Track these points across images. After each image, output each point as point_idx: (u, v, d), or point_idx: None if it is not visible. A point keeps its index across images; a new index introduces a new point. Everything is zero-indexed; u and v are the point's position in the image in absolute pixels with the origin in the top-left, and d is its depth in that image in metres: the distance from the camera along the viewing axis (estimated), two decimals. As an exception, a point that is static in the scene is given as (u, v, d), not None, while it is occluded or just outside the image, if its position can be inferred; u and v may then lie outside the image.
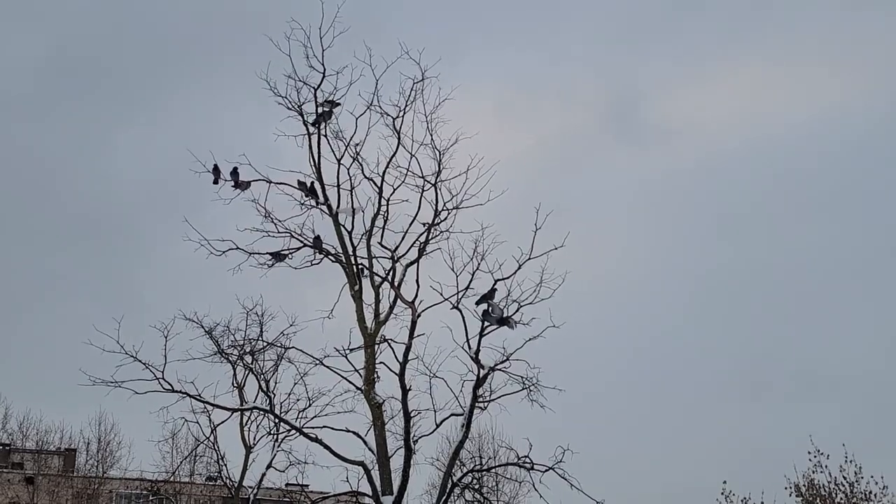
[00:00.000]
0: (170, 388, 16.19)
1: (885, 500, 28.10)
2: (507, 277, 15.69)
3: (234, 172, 17.68)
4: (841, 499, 28.54)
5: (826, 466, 28.75)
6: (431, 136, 17.38)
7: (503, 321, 14.84)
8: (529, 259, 15.46)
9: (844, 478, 28.54)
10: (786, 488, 29.15)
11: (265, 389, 20.91)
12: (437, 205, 17.26)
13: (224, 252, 17.40)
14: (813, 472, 28.95)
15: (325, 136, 17.89)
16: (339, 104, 17.53)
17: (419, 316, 15.93)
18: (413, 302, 16.32)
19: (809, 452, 28.95)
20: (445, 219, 17.21)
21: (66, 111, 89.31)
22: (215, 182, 17.61)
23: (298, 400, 22.26)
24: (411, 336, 15.89)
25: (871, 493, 28.24)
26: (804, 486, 29.02)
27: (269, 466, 23.65)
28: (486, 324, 15.14)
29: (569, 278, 15.59)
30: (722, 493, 28.84)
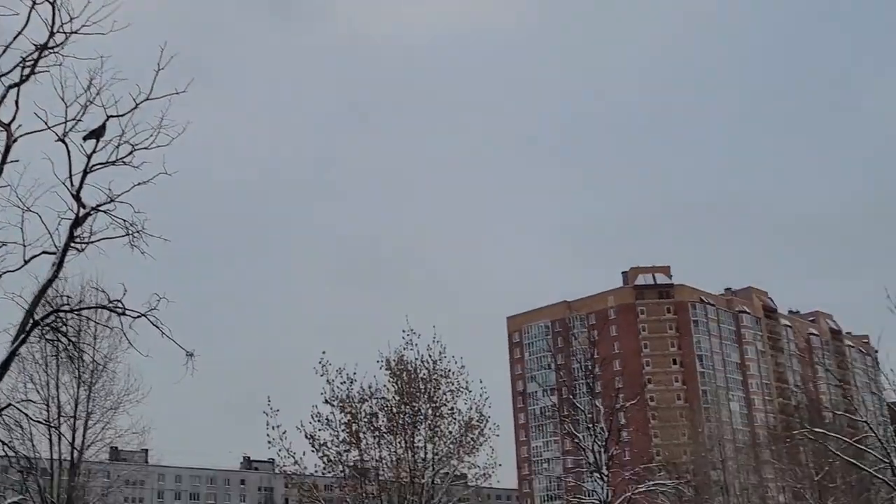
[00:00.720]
0: None
1: (461, 379, 31.23)
2: (123, 115, 14.79)
3: None
4: (424, 374, 31.21)
5: (416, 345, 31.21)
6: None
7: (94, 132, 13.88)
8: (148, 99, 14.63)
9: (430, 356, 31.20)
10: (377, 361, 31.27)
11: None
12: (52, 25, 15.59)
13: None
14: (404, 349, 31.29)
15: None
16: None
17: (15, 141, 14.51)
18: (10, 125, 14.78)
19: (404, 331, 31.20)
20: (60, 43, 15.61)
21: None
22: None
23: None
24: (3, 161, 14.44)
25: (449, 370, 31.24)
26: (394, 360, 31.29)
27: None
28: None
29: (199, 131, 15.05)
30: (320, 363, 30.29)
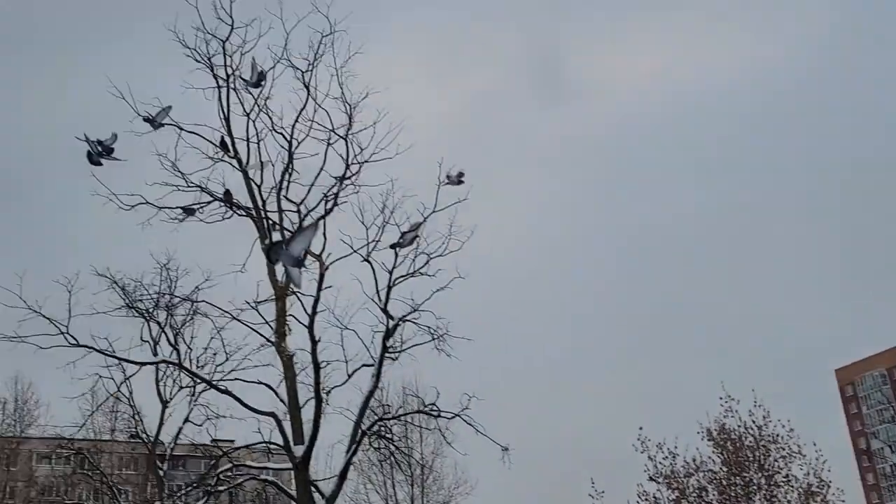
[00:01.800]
0: (75, 342, 16.00)
1: (791, 442, 29.24)
2: (415, 229, 15.88)
3: (149, 118, 17.23)
4: (750, 441, 29.58)
5: (736, 411, 29.71)
6: (342, 89, 17.37)
7: (409, 236, 15.10)
8: (434, 212, 15.66)
9: (753, 422, 29.54)
10: (698, 433, 30.11)
11: (173, 343, 20.89)
12: (347, 158, 17.28)
13: (133, 206, 17.14)
14: (724, 417, 29.88)
15: (234, 89, 17.72)
16: (262, 81, 17.21)
17: (327, 269, 16.06)
18: (321, 255, 16.40)
19: (721, 398, 29.86)
20: (355, 173, 17.25)
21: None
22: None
23: (216, 354, 22.20)
24: (319, 289, 16.04)
25: (777, 435, 29.37)
26: (716, 430, 29.96)
27: (185, 421, 23.67)
28: (400, 248, 15.39)
29: (487, 233, 15.87)
30: (638, 439, 29.70)
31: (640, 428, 29.61)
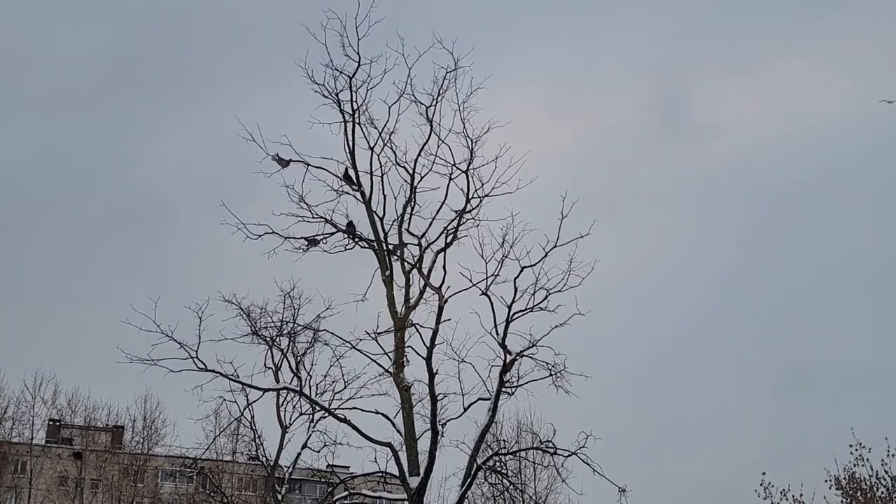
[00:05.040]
0: (203, 366, 16.62)
1: (929, 496, 27.68)
2: (535, 265, 15.86)
3: (277, 158, 17.97)
4: (882, 493, 28.12)
5: (867, 460, 28.33)
6: (464, 124, 17.59)
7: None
8: (556, 247, 15.60)
9: (886, 472, 28.10)
10: (826, 481, 28.81)
11: (295, 370, 21.40)
12: (468, 192, 17.45)
13: (260, 236, 17.76)
14: (854, 466, 28.52)
15: (360, 124, 18.13)
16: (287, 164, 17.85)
17: (446, 302, 16.20)
18: (440, 288, 16.55)
19: (851, 446, 28.50)
20: (476, 206, 17.38)
21: (120, 101, 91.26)
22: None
23: (335, 382, 22.64)
24: (438, 321, 16.16)
25: (914, 487, 27.84)
26: (845, 479, 28.62)
27: (304, 446, 24.18)
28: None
29: (606, 269, 15.72)
30: (761, 485, 28.65)
31: (763, 473, 28.58)
